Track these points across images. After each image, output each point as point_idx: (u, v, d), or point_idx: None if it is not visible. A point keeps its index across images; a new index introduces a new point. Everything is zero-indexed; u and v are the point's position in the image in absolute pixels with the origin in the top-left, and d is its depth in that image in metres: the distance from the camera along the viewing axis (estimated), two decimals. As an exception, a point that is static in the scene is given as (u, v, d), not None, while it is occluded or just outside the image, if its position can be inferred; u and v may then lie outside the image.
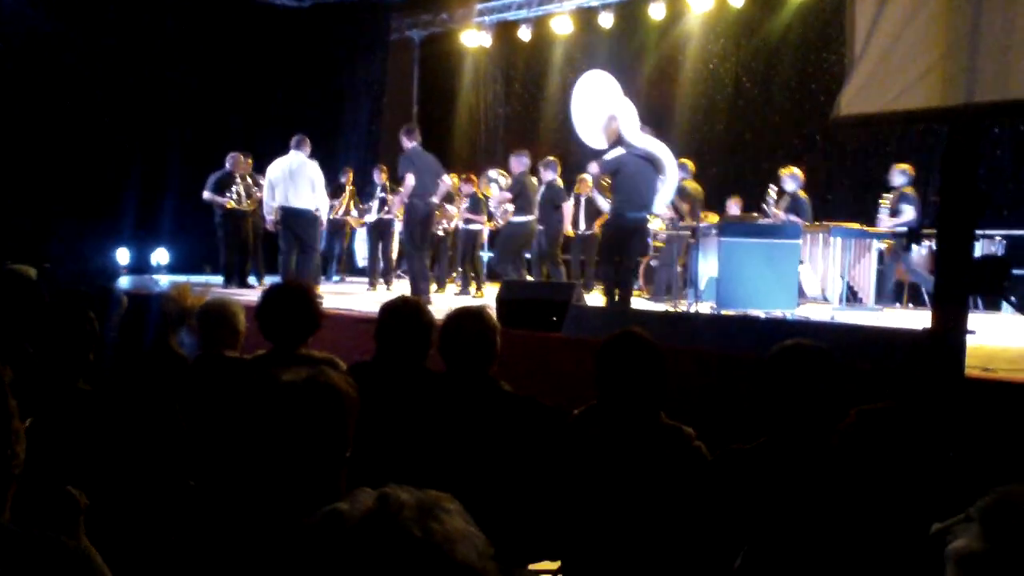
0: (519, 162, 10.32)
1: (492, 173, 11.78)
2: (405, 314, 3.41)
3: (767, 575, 1.70)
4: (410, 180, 9.48)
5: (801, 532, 1.71)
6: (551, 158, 11.03)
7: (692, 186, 10.63)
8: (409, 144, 9.60)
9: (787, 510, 1.94)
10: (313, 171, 9.96)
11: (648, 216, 8.82)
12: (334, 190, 12.17)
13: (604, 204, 9.53)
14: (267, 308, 3.57)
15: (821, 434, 2.34)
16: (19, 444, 1.81)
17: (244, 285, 11.13)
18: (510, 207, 10.41)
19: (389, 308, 3.48)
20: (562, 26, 13.66)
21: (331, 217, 12.04)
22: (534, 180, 10.57)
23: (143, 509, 2.69)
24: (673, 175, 8.85)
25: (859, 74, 4.91)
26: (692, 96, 13.32)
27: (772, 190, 10.37)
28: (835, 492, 1.74)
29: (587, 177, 11.12)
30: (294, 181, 9.82)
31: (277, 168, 9.95)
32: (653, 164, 8.43)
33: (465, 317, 3.11)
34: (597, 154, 9.25)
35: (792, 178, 10.30)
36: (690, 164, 10.76)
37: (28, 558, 1.67)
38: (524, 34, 14.03)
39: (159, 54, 12.91)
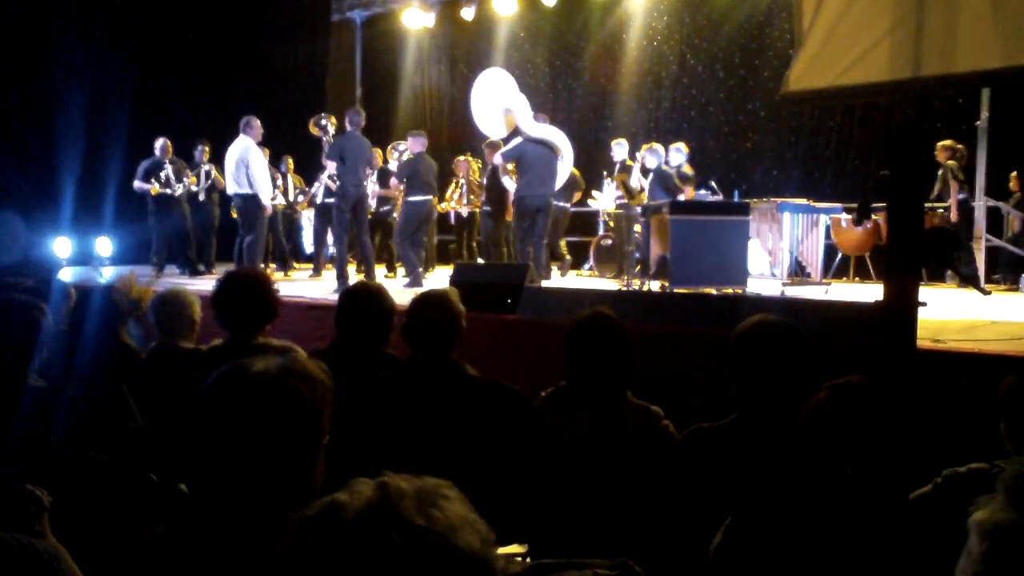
0: (416, 142, 10.19)
1: (401, 145, 11.64)
2: (366, 299, 3.36)
3: (747, 551, 1.71)
4: (331, 167, 9.63)
5: (778, 507, 1.72)
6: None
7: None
8: (348, 128, 9.55)
9: (763, 485, 1.95)
10: (254, 156, 9.83)
11: (550, 196, 9.56)
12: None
13: (511, 186, 9.81)
14: (223, 297, 3.50)
15: (792, 409, 2.36)
16: None
17: (195, 272, 11.00)
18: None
19: (350, 293, 3.44)
20: (505, 6, 13.58)
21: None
22: (431, 160, 10.46)
23: (107, 504, 2.63)
24: (569, 156, 9.87)
25: (807, 49, 4.94)
26: (637, 74, 13.38)
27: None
28: (810, 465, 1.75)
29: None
30: (237, 167, 9.72)
31: (228, 155, 9.90)
32: (550, 149, 9.46)
33: (431, 301, 3.08)
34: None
35: (652, 153, 10.27)
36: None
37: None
38: (468, 14, 13.93)
39: (97, 37, 12.60)
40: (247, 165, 9.75)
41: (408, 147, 10.59)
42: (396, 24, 15.35)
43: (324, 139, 10.09)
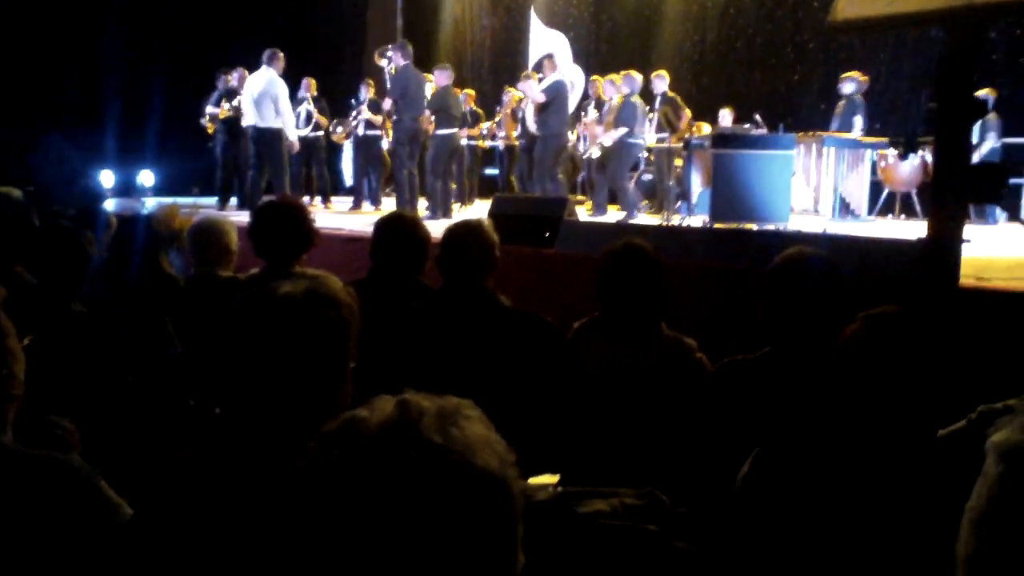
0: (442, 75, 10.08)
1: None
2: (400, 229, 3.37)
3: (774, 480, 1.71)
4: (387, 103, 9.75)
5: (807, 437, 1.71)
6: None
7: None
8: (402, 62, 9.51)
9: (795, 416, 1.94)
10: (278, 88, 9.76)
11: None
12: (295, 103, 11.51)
13: (533, 126, 9.91)
14: (260, 226, 3.53)
15: (826, 341, 2.34)
16: (16, 364, 1.79)
17: (244, 204, 10.92)
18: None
19: (384, 223, 3.45)
20: (549, -66, 13.31)
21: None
22: (457, 92, 10.49)
23: (143, 429, 2.68)
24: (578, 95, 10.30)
25: (857, -23, 4.79)
26: (683, 3, 13.08)
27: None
28: (842, 396, 1.73)
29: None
30: (259, 100, 9.65)
31: (246, 86, 9.83)
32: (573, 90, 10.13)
33: (466, 230, 3.07)
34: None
35: (627, 80, 10.12)
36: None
37: (34, 477, 1.66)
38: (510, -58, 13.69)
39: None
40: (276, 99, 9.70)
41: (435, 80, 10.40)
42: (438, -46, 15.15)
43: (387, 70, 10.01)
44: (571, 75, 10.36)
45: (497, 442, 1.06)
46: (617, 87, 10.20)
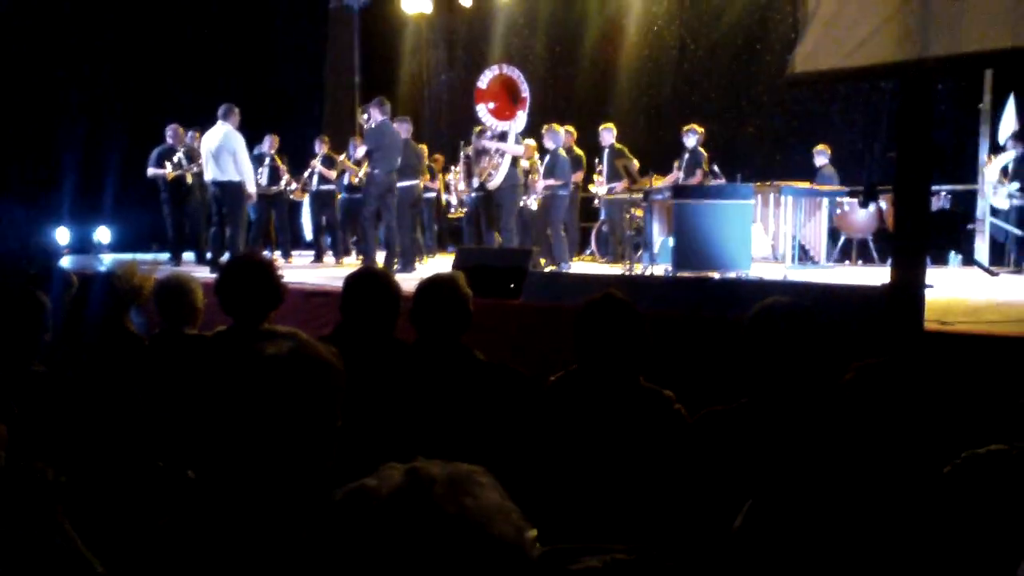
0: (402, 127, 10.28)
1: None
2: (372, 284, 3.33)
3: (769, 532, 1.68)
4: (359, 152, 9.97)
5: (805, 488, 1.70)
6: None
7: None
8: (379, 117, 9.65)
9: (786, 467, 1.93)
10: (235, 142, 9.76)
11: None
12: (256, 159, 11.61)
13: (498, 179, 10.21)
14: (228, 282, 3.47)
15: (806, 390, 2.34)
16: None
17: (201, 260, 10.88)
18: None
19: (355, 278, 3.40)
20: (503, -9, 13.52)
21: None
22: (416, 145, 10.77)
23: (112, 489, 2.60)
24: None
25: (813, 31, 4.90)
26: (637, 59, 13.29)
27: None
28: (838, 446, 1.72)
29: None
30: (217, 154, 9.65)
31: (203, 142, 9.83)
32: None
33: (439, 284, 3.05)
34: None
35: (550, 135, 10.66)
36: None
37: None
38: (465, 0, 13.84)
39: (94, 24, 12.53)
40: (233, 152, 9.69)
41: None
42: (394, 11, 15.23)
43: (366, 126, 10.07)
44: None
45: (512, 509, 1.04)
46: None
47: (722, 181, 10.21)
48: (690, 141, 10.77)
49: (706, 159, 10.66)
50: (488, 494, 0.99)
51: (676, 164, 10.80)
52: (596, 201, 12.13)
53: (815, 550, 1.58)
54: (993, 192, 9.29)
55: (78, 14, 12.40)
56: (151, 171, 11.05)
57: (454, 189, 12.94)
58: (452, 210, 13.45)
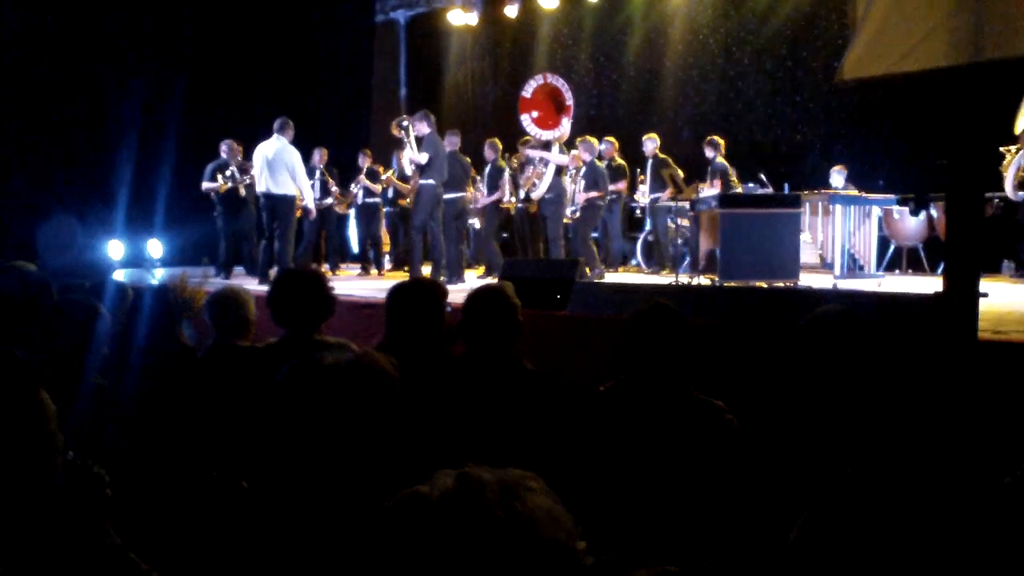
0: (450, 141, 10.46)
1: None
2: (418, 295, 3.35)
3: (828, 544, 1.66)
4: (409, 167, 10.12)
5: (863, 498, 1.67)
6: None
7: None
8: (426, 130, 9.76)
9: (844, 477, 1.90)
10: (291, 156, 9.85)
11: None
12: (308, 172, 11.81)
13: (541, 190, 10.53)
14: (280, 294, 3.51)
15: (863, 399, 2.31)
16: (56, 453, 1.77)
17: (252, 273, 10.92)
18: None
19: (401, 289, 3.42)
20: (548, 2, 13.53)
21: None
22: (463, 158, 10.95)
23: (167, 500, 2.64)
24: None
25: (863, 37, 4.86)
26: (682, 68, 13.24)
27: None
28: (900, 455, 1.70)
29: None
30: (272, 167, 9.75)
31: (258, 153, 9.92)
32: None
33: (487, 295, 3.06)
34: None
35: (585, 147, 10.76)
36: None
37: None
38: (510, 11, 13.89)
39: (147, 41, 12.78)
40: (291, 167, 9.78)
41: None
42: (439, 23, 15.37)
43: (405, 140, 10.15)
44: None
45: (562, 514, 1.04)
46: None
47: (769, 190, 10.12)
48: (710, 152, 10.90)
49: (730, 171, 10.71)
50: (539, 499, 1.00)
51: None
52: (639, 211, 12.12)
53: (876, 563, 1.55)
54: (1015, 194, 8.84)
55: (132, 30, 12.66)
56: (205, 185, 11.19)
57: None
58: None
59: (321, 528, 1.44)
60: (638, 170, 11.64)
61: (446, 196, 10.06)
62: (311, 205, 10.21)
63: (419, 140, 9.83)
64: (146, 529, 2.25)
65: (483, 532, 0.95)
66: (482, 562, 0.93)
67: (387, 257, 12.68)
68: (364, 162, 12.38)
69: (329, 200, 12.24)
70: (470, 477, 1.02)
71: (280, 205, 9.82)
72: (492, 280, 9.17)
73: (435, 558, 0.94)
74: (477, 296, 3.08)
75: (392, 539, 0.97)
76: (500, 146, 11.34)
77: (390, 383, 1.53)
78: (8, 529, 1.55)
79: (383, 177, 12.10)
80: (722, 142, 10.86)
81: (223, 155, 11.30)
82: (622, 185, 11.40)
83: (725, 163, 10.72)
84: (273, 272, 9.76)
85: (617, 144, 11.75)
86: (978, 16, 4.38)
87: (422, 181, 9.76)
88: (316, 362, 1.48)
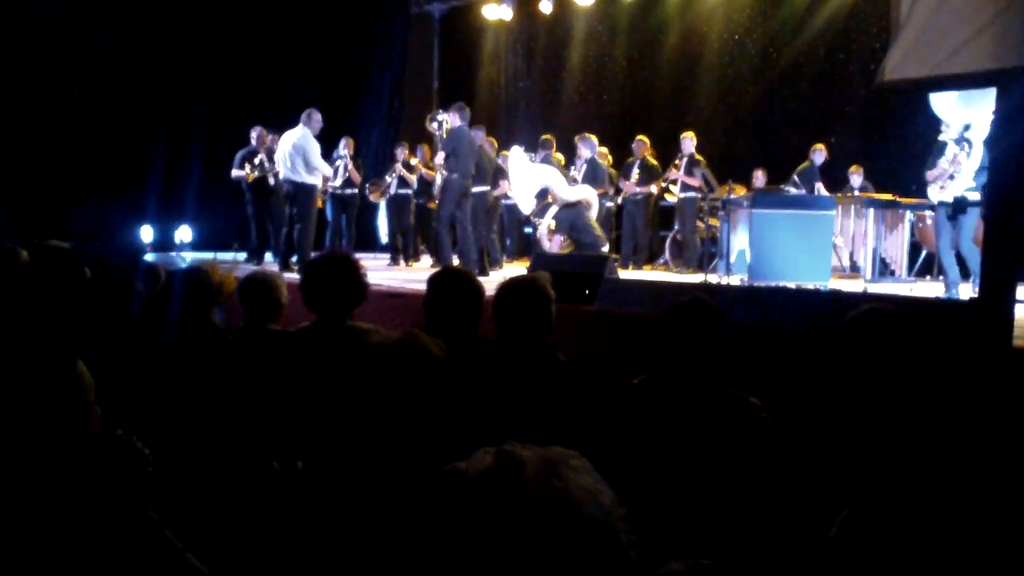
0: (477, 134, 10.50)
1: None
2: (455, 283, 3.34)
3: (868, 541, 1.64)
4: (440, 158, 9.91)
5: (904, 496, 1.65)
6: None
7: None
8: (457, 123, 9.82)
9: (885, 475, 1.88)
10: (304, 141, 9.93)
11: None
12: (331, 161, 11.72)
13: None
14: (312, 279, 3.51)
15: (900, 400, 2.28)
16: (93, 423, 1.78)
17: (286, 267, 10.98)
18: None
19: (438, 278, 3.42)
20: (583, -2, 13.48)
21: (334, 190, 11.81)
22: (490, 151, 11.15)
23: (201, 481, 2.65)
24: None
25: (905, 37, 4.79)
26: (717, 68, 13.15)
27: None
28: (942, 455, 1.67)
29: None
30: (292, 155, 9.87)
31: (283, 142, 10.08)
32: None
33: (520, 287, 3.04)
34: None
35: (585, 144, 10.86)
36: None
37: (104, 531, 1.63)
38: (545, 7, 13.84)
39: (180, 31, 12.87)
40: (305, 155, 9.87)
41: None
42: (474, 18, 15.36)
43: (438, 134, 10.20)
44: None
45: (603, 492, 1.03)
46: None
47: (802, 191, 10.04)
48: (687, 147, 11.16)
49: (703, 163, 11.02)
50: (579, 477, 0.99)
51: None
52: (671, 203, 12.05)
53: (914, 560, 1.54)
54: None
55: (164, 18, 12.74)
56: (234, 172, 11.28)
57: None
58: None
59: (363, 506, 1.44)
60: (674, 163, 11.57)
61: (474, 189, 10.11)
62: (318, 182, 10.26)
63: (447, 133, 9.89)
64: (177, 508, 2.26)
65: (518, 509, 0.94)
66: (517, 539, 0.93)
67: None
68: (401, 154, 12.39)
69: (350, 189, 12.17)
70: (509, 455, 1.01)
71: (299, 193, 9.93)
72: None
73: (471, 535, 0.93)
74: (510, 287, 3.07)
75: (430, 516, 0.97)
76: (595, 140, 11.22)
77: (437, 365, 1.52)
78: (45, 495, 1.56)
79: (413, 163, 12.16)
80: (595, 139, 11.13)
81: (252, 142, 11.37)
82: (653, 188, 11.43)
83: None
84: (293, 260, 9.87)
85: (648, 142, 11.69)
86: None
87: (448, 174, 9.78)
88: (362, 343, 1.48)
